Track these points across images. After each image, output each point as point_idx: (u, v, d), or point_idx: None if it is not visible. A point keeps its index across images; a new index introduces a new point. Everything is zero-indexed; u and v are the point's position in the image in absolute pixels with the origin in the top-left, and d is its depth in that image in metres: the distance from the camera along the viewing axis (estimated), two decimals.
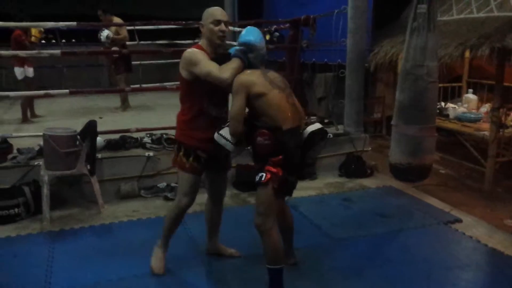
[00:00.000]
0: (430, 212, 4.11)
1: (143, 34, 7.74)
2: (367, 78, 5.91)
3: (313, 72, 6.07)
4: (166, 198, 4.38)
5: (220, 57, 2.70)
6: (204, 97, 2.74)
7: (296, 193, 4.42)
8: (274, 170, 2.51)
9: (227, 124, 2.62)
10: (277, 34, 6.36)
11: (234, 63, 2.60)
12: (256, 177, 2.59)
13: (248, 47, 2.63)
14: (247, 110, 2.63)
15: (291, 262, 3.10)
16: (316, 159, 2.72)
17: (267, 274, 2.67)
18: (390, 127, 5.74)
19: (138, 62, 8.37)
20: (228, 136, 2.61)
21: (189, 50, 2.74)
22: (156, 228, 3.35)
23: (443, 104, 6.08)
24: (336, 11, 5.44)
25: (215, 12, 2.74)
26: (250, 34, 2.65)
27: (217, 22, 2.70)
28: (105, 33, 6.42)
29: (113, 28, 6.57)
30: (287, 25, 6.28)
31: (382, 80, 7.22)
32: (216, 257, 3.25)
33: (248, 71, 2.60)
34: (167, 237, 3.05)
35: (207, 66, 2.60)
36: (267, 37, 6.64)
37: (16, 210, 3.90)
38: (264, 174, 2.53)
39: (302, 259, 3.22)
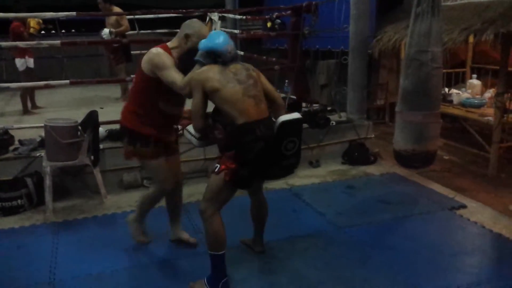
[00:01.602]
0: (434, 198, 4.09)
1: (143, 24, 7.68)
2: (370, 65, 5.86)
3: (316, 59, 6.02)
4: None
5: (186, 54, 2.70)
6: (160, 95, 2.76)
7: (299, 181, 4.50)
8: (227, 163, 2.53)
9: None
10: (278, 21, 6.28)
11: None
12: (213, 167, 2.64)
13: (214, 53, 2.57)
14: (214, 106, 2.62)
15: (258, 250, 3.15)
16: (298, 152, 2.61)
17: (209, 259, 2.67)
18: (393, 114, 5.71)
19: (139, 52, 8.31)
20: (193, 132, 2.68)
21: (155, 51, 2.71)
22: (159, 218, 3.36)
23: (447, 90, 6.03)
24: None
25: (205, 33, 2.73)
26: (213, 40, 2.57)
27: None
28: (106, 31, 6.37)
29: (113, 18, 6.50)
30: (289, 12, 6.22)
31: (385, 66, 7.15)
32: None
33: (206, 67, 2.55)
34: (143, 215, 3.19)
35: (172, 76, 2.61)
36: (269, 24, 6.56)
37: (19, 201, 3.90)
38: (219, 166, 2.58)
39: (306, 247, 3.22)
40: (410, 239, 3.35)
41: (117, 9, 6.64)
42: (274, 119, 2.63)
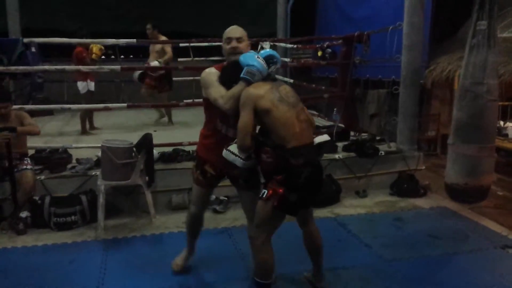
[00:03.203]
0: (486, 235, 3.92)
1: (198, 51, 7.97)
2: (422, 95, 5.77)
3: (366, 88, 6.00)
4: (215, 211, 4.43)
5: (230, 66, 2.70)
6: (217, 116, 2.74)
7: (345, 211, 4.45)
8: (276, 188, 2.47)
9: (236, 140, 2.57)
10: (329, 50, 6.34)
11: (239, 87, 2.53)
12: (260, 193, 2.59)
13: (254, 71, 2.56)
14: (258, 127, 2.60)
15: (320, 286, 3.04)
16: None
17: (254, 285, 2.64)
18: (445, 146, 5.57)
19: (192, 78, 8.60)
20: (237, 151, 2.53)
21: (207, 70, 2.74)
22: (205, 240, 3.39)
23: (502, 123, 5.83)
24: (391, 27, 5.36)
25: (228, 31, 2.81)
26: (249, 59, 2.58)
27: (228, 40, 2.76)
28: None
29: (159, 46, 6.75)
30: (340, 41, 6.26)
31: (437, 97, 7.02)
32: None
33: (258, 84, 2.54)
34: (189, 241, 3.22)
35: (215, 93, 2.59)
36: (319, 53, 6.64)
37: (73, 217, 4.08)
38: (266, 191, 2.51)
39: (351, 279, 3.16)
40: (459, 276, 3.21)
41: (163, 38, 6.89)
42: None
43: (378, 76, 6.96)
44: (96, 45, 6.45)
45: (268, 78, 2.64)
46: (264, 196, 2.54)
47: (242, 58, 2.59)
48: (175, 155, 4.78)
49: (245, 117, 2.46)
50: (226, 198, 4.51)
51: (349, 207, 4.58)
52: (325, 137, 2.72)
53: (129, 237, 3.89)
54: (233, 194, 4.54)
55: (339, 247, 3.69)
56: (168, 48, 6.78)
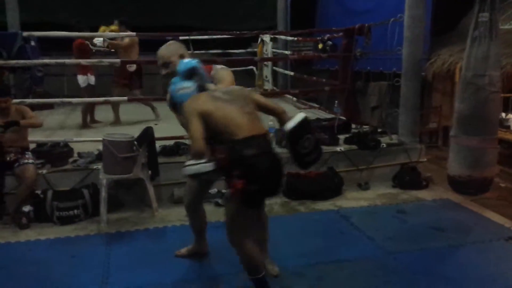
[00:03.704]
0: (489, 227, 3.92)
1: (197, 44, 7.92)
2: (423, 87, 5.75)
3: (367, 81, 5.99)
4: (217, 204, 4.42)
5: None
6: None
7: (347, 203, 4.45)
8: (235, 183, 2.40)
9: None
10: (330, 43, 6.32)
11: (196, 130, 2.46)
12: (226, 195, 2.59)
13: (194, 72, 2.61)
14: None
15: (274, 274, 3.05)
16: (317, 146, 2.55)
17: (253, 284, 2.67)
18: (446, 138, 5.58)
19: None
20: (193, 161, 2.42)
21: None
22: (207, 233, 3.39)
23: (503, 115, 5.81)
24: (391, 20, 5.34)
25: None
26: (187, 63, 2.66)
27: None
28: (100, 39, 6.43)
29: (127, 39, 6.51)
30: (341, 34, 6.24)
31: (439, 89, 7.00)
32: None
33: (194, 97, 2.55)
34: (194, 232, 3.32)
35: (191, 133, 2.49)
36: (320, 46, 6.62)
37: (75, 211, 4.07)
38: (229, 191, 2.47)
39: (354, 272, 3.16)
40: (463, 269, 3.22)
41: (107, 34, 6.65)
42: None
43: (379, 69, 6.93)
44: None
45: (200, 89, 2.64)
46: (228, 196, 2.53)
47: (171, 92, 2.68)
48: (177, 148, 4.78)
49: (194, 124, 2.44)
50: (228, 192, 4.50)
51: (351, 200, 4.58)
52: (299, 117, 2.66)
53: (132, 231, 3.89)
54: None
55: (342, 239, 3.70)
56: (127, 39, 6.51)
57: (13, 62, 5.06)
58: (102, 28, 6.48)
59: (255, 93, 2.78)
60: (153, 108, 6.90)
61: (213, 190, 4.52)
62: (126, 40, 6.46)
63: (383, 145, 5.09)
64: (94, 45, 6.40)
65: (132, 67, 6.30)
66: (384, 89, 5.63)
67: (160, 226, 3.97)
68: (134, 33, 6.20)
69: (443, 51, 6.45)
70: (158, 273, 3.17)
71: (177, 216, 4.17)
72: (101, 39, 6.32)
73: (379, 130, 5.59)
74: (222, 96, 2.57)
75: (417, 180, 4.90)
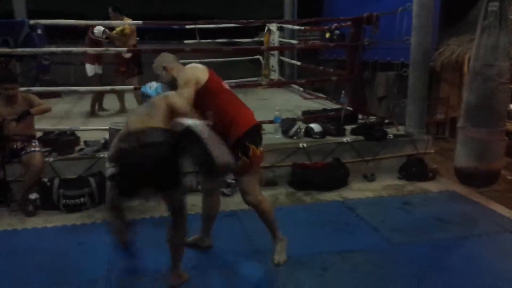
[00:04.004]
0: (495, 219, 3.90)
1: (204, 33, 7.91)
2: (431, 78, 5.70)
3: (374, 70, 5.95)
4: (223, 194, 4.42)
5: None
6: None
7: (352, 194, 4.44)
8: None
9: None
10: (337, 32, 6.27)
11: None
12: None
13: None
14: None
15: (205, 245, 3.35)
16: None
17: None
18: (453, 129, 5.53)
19: (198, 61, 8.54)
20: None
21: None
22: (215, 222, 3.40)
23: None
24: (400, 8, 5.28)
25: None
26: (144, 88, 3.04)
27: None
28: (101, 28, 6.25)
29: (120, 28, 6.33)
30: (349, 23, 6.18)
31: (446, 80, 6.94)
32: (271, 254, 3.24)
33: None
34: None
35: None
36: (327, 35, 6.57)
37: (82, 199, 4.10)
38: None
39: (359, 262, 3.16)
40: (469, 261, 3.21)
41: (127, 20, 6.44)
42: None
43: (386, 59, 6.88)
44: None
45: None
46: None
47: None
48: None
49: None
50: (233, 182, 4.50)
51: (357, 191, 4.57)
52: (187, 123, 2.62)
53: (138, 219, 3.90)
54: None
55: (347, 230, 3.70)
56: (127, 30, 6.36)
57: (19, 50, 5.07)
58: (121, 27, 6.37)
59: (170, 98, 2.77)
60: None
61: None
62: (120, 29, 6.30)
63: (389, 136, 5.06)
64: (93, 35, 6.32)
65: (127, 54, 6.22)
66: (391, 79, 5.59)
67: (166, 215, 3.96)
68: (133, 21, 6.15)
69: (451, 41, 6.39)
70: (163, 261, 3.18)
71: (197, 203, 4.16)
72: (102, 29, 6.21)
73: (386, 121, 5.55)
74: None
75: (423, 171, 4.87)
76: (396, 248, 3.38)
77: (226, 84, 3.12)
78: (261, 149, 2.99)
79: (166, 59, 3.13)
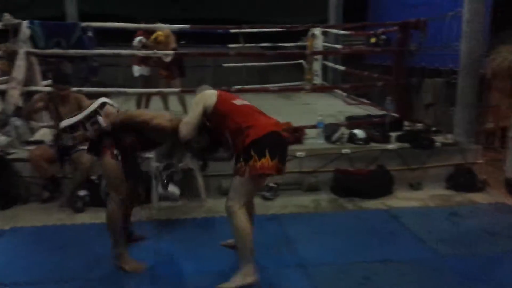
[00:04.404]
0: None
1: (249, 38, 7.96)
2: (481, 85, 5.51)
3: (422, 77, 5.81)
4: (265, 198, 4.44)
5: None
6: None
7: (397, 203, 4.37)
8: None
9: None
10: (383, 37, 6.17)
11: None
12: None
13: None
14: None
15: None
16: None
17: None
18: (504, 139, 5.32)
19: (242, 64, 8.63)
20: None
21: None
22: (256, 225, 3.40)
23: None
24: (450, 14, 5.14)
25: None
26: None
27: None
28: (137, 38, 6.42)
29: (153, 36, 6.39)
30: (395, 28, 6.08)
31: (497, 87, 6.68)
32: (312, 260, 3.21)
33: None
34: None
35: None
36: (373, 40, 6.48)
37: None
38: None
39: (403, 273, 3.09)
40: None
41: (161, 26, 6.52)
42: None
43: (434, 65, 6.72)
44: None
45: None
46: None
47: None
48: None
49: None
50: (275, 185, 4.50)
51: (402, 200, 4.47)
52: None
53: (181, 219, 3.97)
54: (283, 181, 4.56)
55: (391, 240, 3.62)
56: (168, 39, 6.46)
57: (72, 51, 5.26)
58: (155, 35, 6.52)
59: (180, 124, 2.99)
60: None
61: None
62: (160, 37, 6.36)
63: (437, 144, 4.93)
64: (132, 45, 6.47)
65: (168, 57, 6.32)
66: (439, 86, 5.44)
67: (208, 216, 4.03)
68: (180, 25, 6.24)
69: (503, 48, 6.14)
70: (204, 261, 3.23)
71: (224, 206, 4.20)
72: (138, 39, 6.38)
73: (433, 128, 5.40)
74: None
75: (472, 182, 4.71)
76: (442, 260, 3.28)
77: (239, 99, 3.06)
78: (275, 161, 2.76)
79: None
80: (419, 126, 5.54)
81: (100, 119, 3.05)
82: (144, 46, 6.36)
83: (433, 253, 3.38)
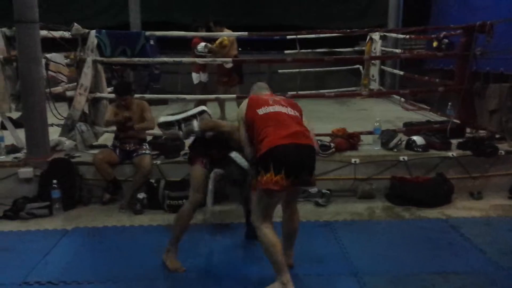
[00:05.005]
0: None
1: (304, 43, 7.94)
2: None
3: (486, 82, 5.55)
4: (317, 204, 4.41)
5: None
6: None
7: (457, 213, 4.23)
8: None
9: None
10: (446, 40, 5.96)
11: None
12: None
13: None
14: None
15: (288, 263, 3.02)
16: None
17: None
18: None
19: (297, 70, 8.63)
20: None
21: None
22: (306, 233, 3.41)
23: None
24: None
25: None
26: None
27: None
28: (202, 44, 6.55)
29: (219, 40, 6.56)
30: (459, 31, 5.86)
31: None
32: (366, 269, 3.15)
33: None
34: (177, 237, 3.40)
35: None
36: (435, 44, 6.29)
37: (184, 201, 4.28)
38: None
39: (463, 285, 2.97)
40: None
41: (227, 31, 6.67)
42: None
43: (499, 69, 6.40)
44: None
45: None
46: None
47: None
48: (254, 161, 4.81)
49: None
50: (328, 192, 4.47)
51: (462, 209, 4.29)
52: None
53: (235, 223, 4.02)
54: (336, 188, 4.51)
55: (450, 250, 3.49)
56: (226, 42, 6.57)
57: (136, 59, 5.50)
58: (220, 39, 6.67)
59: None
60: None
61: (314, 190, 4.50)
62: (225, 42, 6.55)
63: (501, 152, 4.70)
64: (197, 50, 6.63)
65: (229, 64, 6.41)
66: (505, 92, 5.17)
67: (240, 222, 4.02)
68: (234, 33, 6.37)
69: None
70: (254, 268, 3.22)
71: (276, 212, 4.20)
72: (203, 44, 6.54)
73: (497, 136, 5.15)
74: None
75: None
76: (504, 273, 3.12)
77: (266, 105, 2.95)
78: (279, 176, 2.69)
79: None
80: (482, 133, 5.30)
81: (195, 123, 3.31)
82: (209, 51, 6.54)
83: (494, 266, 3.22)
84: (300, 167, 2.79)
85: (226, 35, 6.43)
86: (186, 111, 3.47)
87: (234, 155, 3.11)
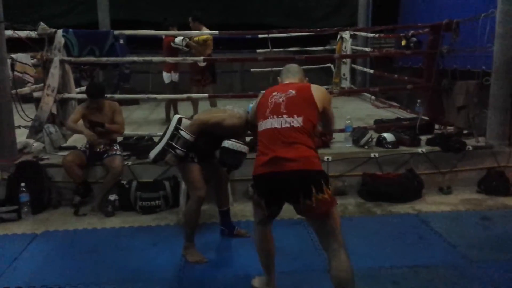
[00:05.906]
0: None
1: (276, 42, 7.97)
2: None
3: (453, 79, 5.69)
4: None
5: None
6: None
7: (427, 207, 4.30)
8: None
9: None
10: (414, 39, 6.07)
11: None
12: None
13: None
14: None
15: None
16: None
17: None
18: None
19: (270, 69, 8.65)
20: None
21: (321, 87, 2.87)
22: (280, 230, 3.40)
23: None
24: (482, 15, 5.03)
25: None
26: None
27: None
28: (181, 37, 6.36)
29: (203, 37, 6.42)
30: (426, 29, 5.98)
31: None
32: None
33: None
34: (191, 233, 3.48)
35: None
36: (403, 42, 6.39)
37: (157, 202, 4.28)
38: None
39: (432, 278, 3.03)
40: None
41: (205, 29, 6.53)
42: None
43: (466, 67, 6.57)
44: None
45: None
46: None
47: None
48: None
49: None
50: None
51: (432, 204, 4.39)
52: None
53: (208, 223, 4.01)
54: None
55: (421, 244, 3.56)
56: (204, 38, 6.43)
57: (104, 59, 5.41)
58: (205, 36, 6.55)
59: None
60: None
61: None
62: (203, 38, 6.39)
63: (468, 148, 4.82)
64: (174, 43, 6.49)
65: (203, 63, 6.33)
66: (471, 88, 5.31)
67: (235, 220, 4.04)
68: (211, 31, 6.32)
69: None
70: (232, 266, 3.26)
71: (251, 211, 4.19)
72: (181, 38, 6.39)
73: (465, 131, 5.29)
74: None
75: (504, 186, 4.59)
76: (473, 266, 3.20)
77: (263, 120, 2.69)
78: (262, 201, 2.63)
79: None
80: (450, 129, 5.43)
81: (183, 133, 3.24)
82: (187, 46, 6.42)
83: (463, 259, 3.30)
84: (279, 197, 2.60)
85: (197, 34, 6.37)
86: (164, 133, 3.40)
87: (228, 144, 3.12)
